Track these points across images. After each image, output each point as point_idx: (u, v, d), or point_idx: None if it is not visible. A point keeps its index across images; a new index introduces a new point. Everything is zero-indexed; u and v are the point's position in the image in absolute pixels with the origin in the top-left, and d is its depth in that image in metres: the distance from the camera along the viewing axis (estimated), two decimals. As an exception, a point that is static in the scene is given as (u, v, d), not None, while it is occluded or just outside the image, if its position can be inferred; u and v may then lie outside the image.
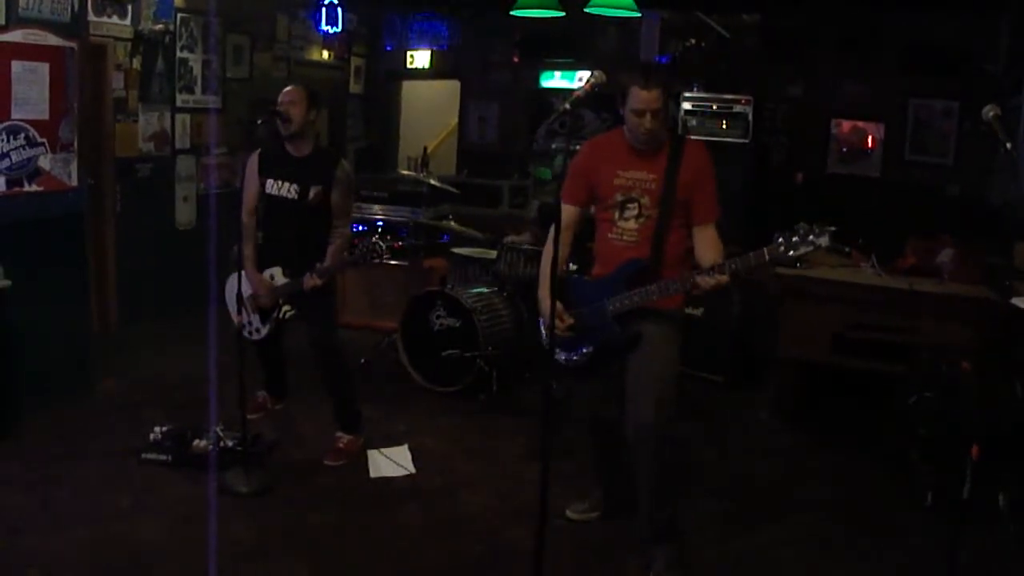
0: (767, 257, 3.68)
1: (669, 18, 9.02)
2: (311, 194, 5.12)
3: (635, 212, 4.10)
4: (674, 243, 4.09)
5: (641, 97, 3.94)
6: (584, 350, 4.20)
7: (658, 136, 4.04)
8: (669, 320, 4.11)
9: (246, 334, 5.43)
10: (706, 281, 3.84)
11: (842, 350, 5.95)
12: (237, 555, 4.17)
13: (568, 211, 4.21)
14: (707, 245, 4.06)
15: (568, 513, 4.73)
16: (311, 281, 5.05)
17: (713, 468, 5.48)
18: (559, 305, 4.04)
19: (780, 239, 3.64)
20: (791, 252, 3.63)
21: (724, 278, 3.81)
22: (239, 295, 5.17)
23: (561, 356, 4.25)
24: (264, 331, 5.42)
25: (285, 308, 5.31)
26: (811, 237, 3.60)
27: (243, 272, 5.17)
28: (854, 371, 6.00)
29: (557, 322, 3.96)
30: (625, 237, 4.14)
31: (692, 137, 4.33)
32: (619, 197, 4.12)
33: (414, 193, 7.99)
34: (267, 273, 5.28)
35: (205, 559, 4.07)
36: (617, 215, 4.14)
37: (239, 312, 5.29)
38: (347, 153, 10.46)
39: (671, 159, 4.04)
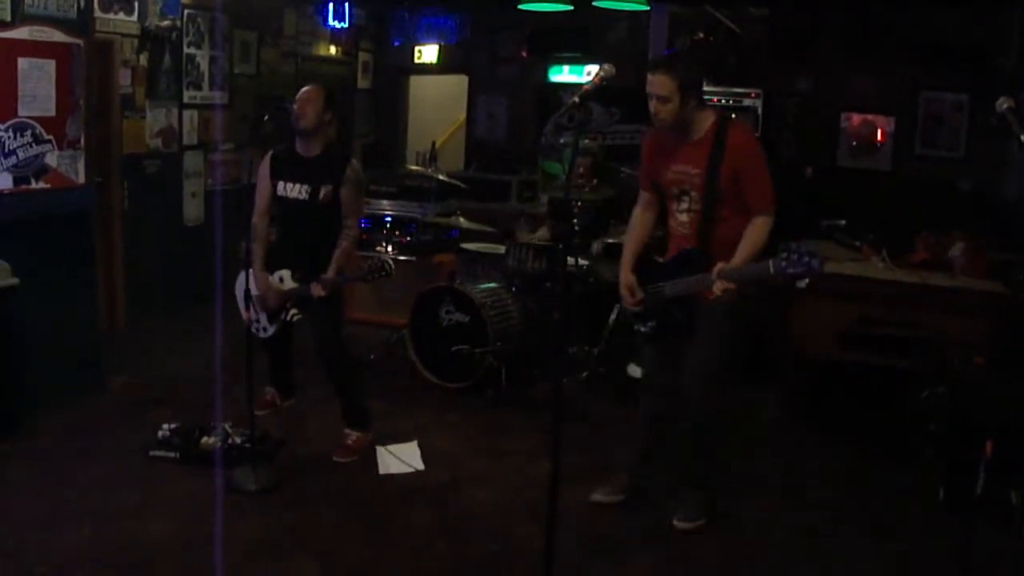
0: (771, 270, 3.84)
1: (678, 12, 8.98)
2: (321, 194, 5.11)
3: (687, 205, 4.34)
4: (723, 234, 4.23)
5: (647, 80, 4.21)
6: (649, 324, 4.53)
7: (665, 123, 4.26)
8: (720, 309, 4.22)
9: (253, 331, 5.43)
10: (717, 287, 4.05)
11: (852, 345, 5.91)
12: (246, 552, 4.17)
13: (643, 195, 4.61)
14: (744, 240, 4.17)
15: (593, 496, 4.81)
16: (317, 291, 5.06)
17: (721, 463, 5.44)
18: (633, 280, 4.45)
19: (784, 256, 3.76)
20: (790, 270, 3.75)
21: (726, 285, 4.03)
22: (248, 292, 5.16)
23: (638, 325, 4.59)
24: (271, 330, 5.42)
25: (292, 312, 5.30)
26: (807, 259, 3.71)
27: (251, 270, 5.21)
28: (865, 367, 5.97)
29: (628, 297, 4.46)
30: (680, 229, 4.41)
31: (740, 125, 4.37)
32: (675, 190, 4.38)
33: (422, 188, 7.97)
34: (276, 275, 5.27)
35: (214, 556, 4.07)
36: (675, 206, 4.42)
37: (247, 308, 5.29)
38: (355, 149, 10.44)
39: (713, 152, 4.19)
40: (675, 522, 4.57)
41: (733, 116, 4.37)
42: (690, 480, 4.67)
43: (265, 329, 5.44)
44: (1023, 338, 5.12)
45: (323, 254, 5.14)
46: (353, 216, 5.22)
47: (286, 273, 5.25)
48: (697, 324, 4.34)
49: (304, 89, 5.17)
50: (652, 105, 4.22)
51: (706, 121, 4.27)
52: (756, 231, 4.16)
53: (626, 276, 4.47)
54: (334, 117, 5.23)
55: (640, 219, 4.62)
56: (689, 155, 4.28)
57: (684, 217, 4.36)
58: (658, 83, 4.15)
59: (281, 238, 5.40)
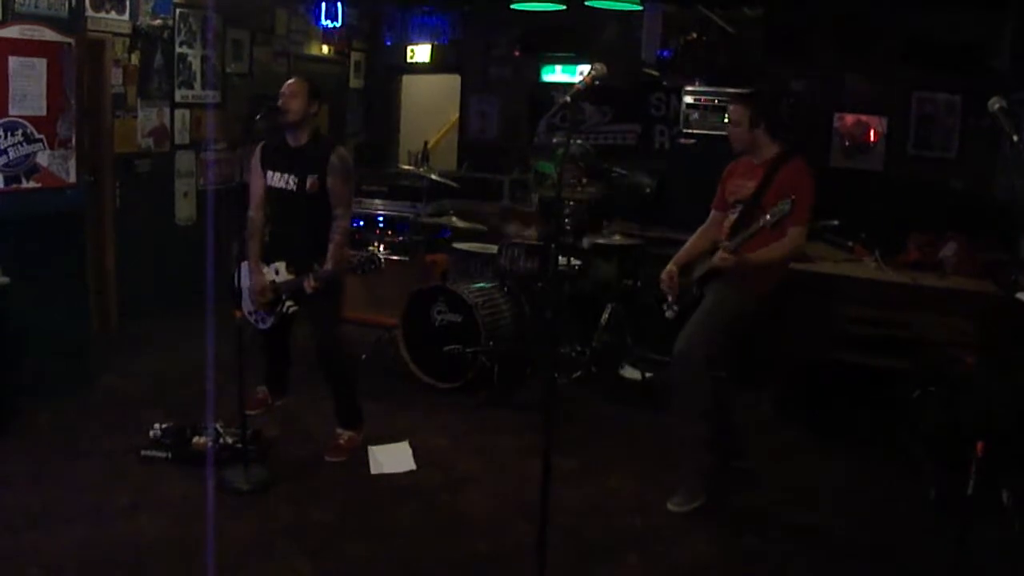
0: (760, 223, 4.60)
1: (671, 12, 8.98)
2: (308, 183, 5.11)
3: (734, 215, 4.95)
4: (759, 243, 4.73)
5: (728, 109, 5.09)
6: (674, 308, 5.10)
7: (739, 144, 4.99)
8: (733, 289, 4.83)
9: (253, 322, 5.44)
10: (719, 256, 4.72)
11: (845, 345, 5.92)
12: (237, 552, 4.16)
13: (712, 214, 5.22)
14: (769, 245, 4.74)
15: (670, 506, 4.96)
16: (310, 284, 5.05)
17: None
18: (675, 270, 5.08)
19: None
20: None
21: (723, 256, 4.68)
22: (239, 286, 5.16)
23: (665, 309, 5.17)
24: (269, 321, 5.42)
25: (288, 303, 5.29)
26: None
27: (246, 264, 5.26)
28: (857, 367, 5.97)
29: (665, 280, 5.07)
30: (726, 230, 4.97)
31: (796, 157, 4.92)
32: (730, 200, 5.03)
33: (414, 188, 7.96)
34: (272, 267, 5.28)
35: (205, 556, 4.06)
36: (726, 218, 5.02)
37: (241, 304, 5.30)
38: (347, 148, 10.40)
39: (768, 174, 4.84)
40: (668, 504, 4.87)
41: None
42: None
43: (264, 320, 5.43)
44: (1014, 338, 5.12)
45: (315, 245, 5.14)
46: (343, 206, 5.19)
47: (281, 265, 5.26)
48: (712, 292, 4.92)
49: (288, 83, 5.19)
50: (728, 130, 5.05)
51: (773, 150, 4.92)
52: (782, 241, 4.72)
53: (670, 266, 5.12)
54: (320, 109, 5.24)
55: (702, 231, 5.22)
56: (750, 173, 4.95)
57: (729, 222, 4.97)
58: (734, 111, 4.97)
59: (273, 230, 5.41)
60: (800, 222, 4.72)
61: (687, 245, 5.20)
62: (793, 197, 4.53)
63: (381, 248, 7.38)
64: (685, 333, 4.87)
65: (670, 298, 5.09)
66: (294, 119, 5.09)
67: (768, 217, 4.55)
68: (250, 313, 5.44)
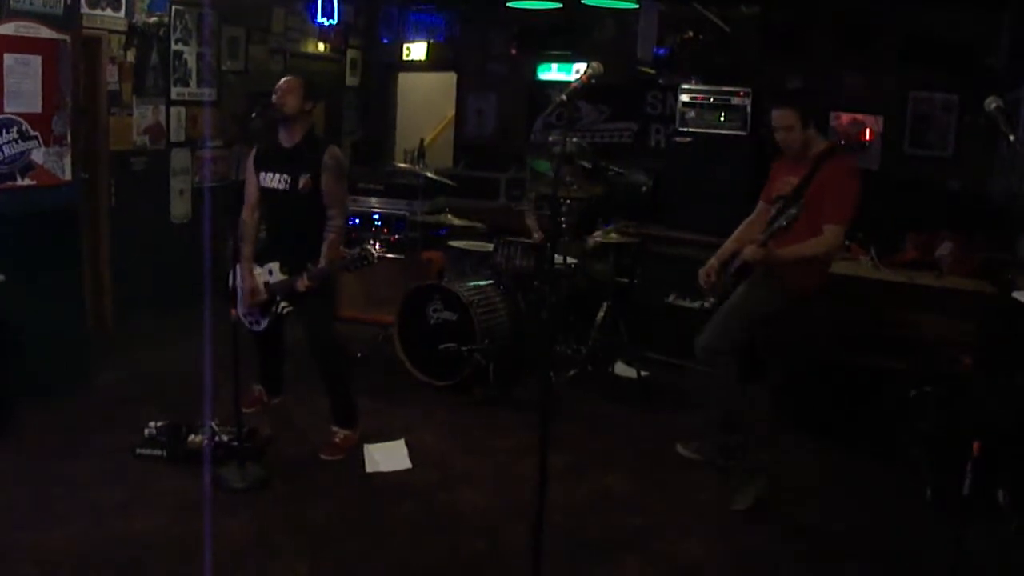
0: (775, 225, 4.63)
1: (667, 10, 8.96)
2: (301, 183, 5.11)
3: (776, 210, 4.86)
4: (792, 238, 4.68)
5: (773, 116, 4.97)
6: (711, 300, 5.23)
7: (793, 148, 4.93)
8: (763, 286, 4.95)
9: (247, 324, 5.43)
10: (748, 251, 4.76)
11: (841, 344, 5.91)
12: (233, 550, 4.16)
13: (758, 206, 5.27)
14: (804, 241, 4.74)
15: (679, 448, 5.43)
16: (303, 283, 5.05)
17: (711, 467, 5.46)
18: (716, 266, 5.14)
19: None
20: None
21: (753, 249, 4.71)
22: (235, 288, 5.15)
23: (704, 301, 5.43)
24: (264, 323, 5.41)
25: (283, 304, 5.29)
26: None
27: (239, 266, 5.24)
28: (853, 366, 5.97)
29: (704, 276, 5.16)
30: (769, 226, 4.84)
31: (841, 154, 4.98)
32: (775, 196, 5.00)
33: (410, 186, 7.96)
34: (266, 268, 5.28)
35: (201, 554, 4.06)
36: (772, 208, 4.97)
37: (235, 305, 5.29)
38: (343, 146, 10.39)
39: (810, 171, 4.81)
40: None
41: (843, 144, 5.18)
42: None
43: (258, 322, 5.43)
44: (1010, 338, 5.12)
45: (309, 245, 5.13)
46: (337, 206, 5.18)
47: (275, 265, 5.26)
48: (745, 286, 5.02)
49: (284, 79, 5.20)
50: (779, 136, 4.94)
51: (818, 146, 4.91)
52: (817, 238, 4.72)
53: (712, 260, 5.18)
54: (314, 107, 5.23)
55: (747, 224, 5.29)
56: (795, 169, 4.93)
57: (768, 216, 4.94)
58: (783, 116, 4.88)
59: (267, 231, 5.42)
60: (837, 220, 4.71)
61: (732, 238, 5.26)
62: (802, 202, 4.54)
63: (376, 246, 7.36)
64: (708, 326, 5.07)
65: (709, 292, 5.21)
66: (289, 112, 5.09)
67: (782, 221, 4.55)
68: (245, 316, 5.43)
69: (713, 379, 5.18)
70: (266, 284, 5.28)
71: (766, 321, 4.99)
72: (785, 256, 4.72)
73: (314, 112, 5.25)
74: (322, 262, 5.09)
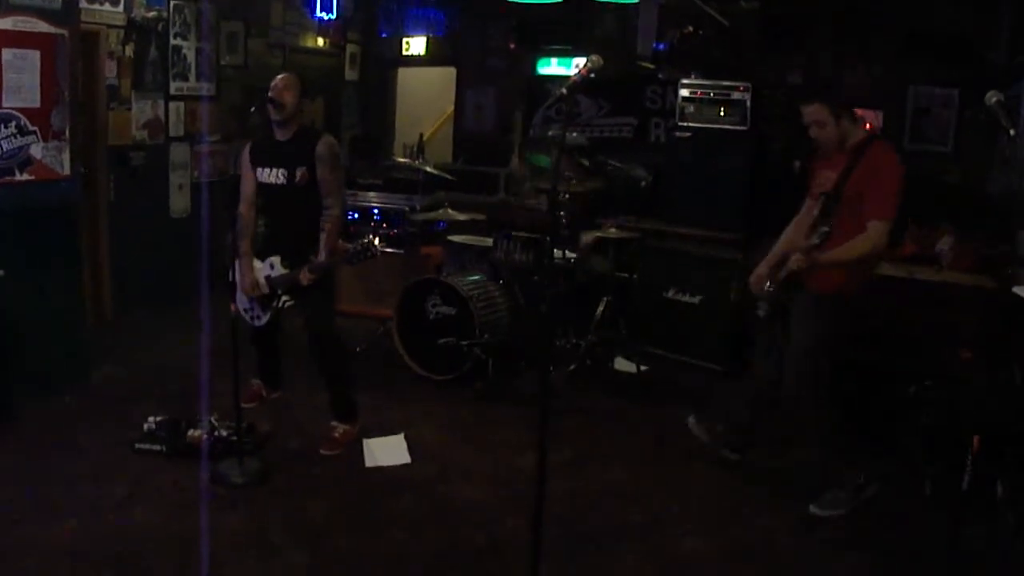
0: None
1: (667, 4, 8.96)
2: (298, 175, 5.12)
3: (819, 207, 4.72)
4: (840, 236, 4.52)
5: (803, 112, 4.76)
6: (763, 308, 4.90)
7: (830, 144, 4.72)
8: (813, 300, 4.72)
9: (248, 319, 5.43)
10: (794, 260, 4.57)
11: (840, 339, 5.90)
12: (232, 545, 4.16)
13: (807, 202, 4.97)
14: (848, 241, 4.53)
15: (690, 419, 5.38)
16: (305, 276, 5.05)
17: (708, 455, 5.45)
18: (766, 272, 4.88)
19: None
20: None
21: (797, 259, 4.53)
22: (234, 283, 5.15)
23: (757, 308, 4.97)
24: (264, 318, 5.41)
25: (284, 298, 5.29)
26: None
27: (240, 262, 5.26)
28: (853, 360, 5.95)
29: (754, 282, 4.94)
30: (815, 226, 4.70)
31: (880, 143, 4.71)
32: (817, 191, 4.80)
33: (410, 180, 7.95)
34: (267, 262, 5.28)
35: (200, 549, 4.05)
36: (814, 208, 4.79)
37: (242, 298, 5.30)
38: (342, 141, 10.39)
39: (849, 163, 4.61)
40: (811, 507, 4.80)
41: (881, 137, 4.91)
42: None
43: (259, 317, 5.43)
44: (1010, 332, 5.12)
45: (308, 237, 5.14)
46: (333, 195, 5.19)
47: (276, 259, 5.26)
48: (795, 314, 4.81)
49: (279, 77, 5.22)
50: (812, 132, 4.73)
51: (856, 137, 4.68)
52: (861, 237, 4.50)
53: (761, 267, 4.95)
54: (308, 102, 5.24)
55: (796, 222, 5.03)
56: (835, 163, 4.71)
57: (814, 215, 4.75)
58: (814, 112, 4.68)
59: (267, 225, 5.43)
60: (880, 215, 4.50)
61: (780, 240, 5.01)
62: (831, 220, 4.49)
63: (376, 241, 7.36)
64: (788, 371, 4.85)
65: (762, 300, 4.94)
66: (288, 114, 5.12)
67: (815, 239, 4.50)
68: (245, 311, 5.43)
69: (807, 421, 5.01)
70: (267, 278, 5.28)
71: (833, 340, 4.81)
72: (828, 260, 4.53)
73: (311, 107, 5.26)
74: (323, 255, 5.09)
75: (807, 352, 4.76)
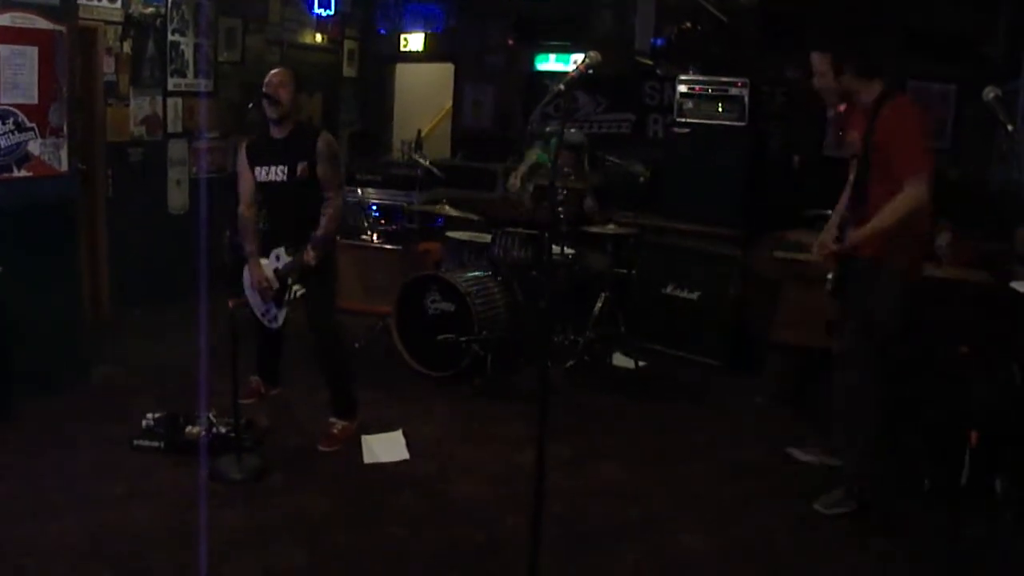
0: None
1: (665, 0, 8.96)
2: (298, 171, 5.13)
3: (854, 171, 4.66)
4: (876, 198, 4.42)
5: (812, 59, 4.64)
6: (830, 277, 4.76)
7: (829, 96, 4.68)
8: (869, 270, 4.52)
9: (266, 323, 5.44)
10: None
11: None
12: (231, 541, 4.16)
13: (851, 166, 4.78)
14: (882, 209, 4.37)
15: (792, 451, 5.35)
16: (309, 256, 5.08)
17: (708, 452, 5.46)
18: (827, 238, 4.73)
19: None
20: None
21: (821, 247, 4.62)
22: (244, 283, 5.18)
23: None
24: (281, 318, 5.39)
25: (295, 287, 5.27)
26: None
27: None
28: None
29: (816, 249, 4.75)
30: (850, 191, 4.71)
31: (897, 96, 4.51)
32: (848, 154, 4.78)
33: (408, 177, 7.94)
34: (272, 255, 5.29)
35: (199, 546, 4.04)
36: (852, 171, 4.71)
37: (257, 302, 5.31)
38: (341, 137, 10.37)
39: (870, 121, 4.47)
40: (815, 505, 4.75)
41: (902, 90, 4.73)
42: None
43: (276, 318, 5.41)
44: (1009, 327, 5.12)
45: (310, 227, 5.16)
46: (333, 188, 5.21)
47: (280, 251, 5.27)
48: (851, 290, 4.65)
49: (274, 72, 5.21)
50: (815, 80, 4.65)
51: (873, 92, 4.51)
52: (896, 200, 4.31)
53: (824, 235, 4.79)
54: (303, 98, 5.23)
55: (849, 188, 4.85)
56: (857, 122, 4.61)
57: (851, 179, 4.71)
58: (815, 60, 4.60)
59: (269, 222, 5.42)
60: (910, 172, 4.29)
61: (837, 205, 4.89)
62: (869, 186, 4.41)
63: (375, 237, 7.36)
64: (840, 362, 4.78)
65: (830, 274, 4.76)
66: (285, 111, 5.12)
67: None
68: (263, 315, 5.43)
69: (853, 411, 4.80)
70: (276, 271, 5.28)
71: (893, 323, 4.59)
72: (866, 235, 4.38)
73: (309, 103, 5.26)
74: (320, 231, 5.12)
75: (857, 335, 4.64)
